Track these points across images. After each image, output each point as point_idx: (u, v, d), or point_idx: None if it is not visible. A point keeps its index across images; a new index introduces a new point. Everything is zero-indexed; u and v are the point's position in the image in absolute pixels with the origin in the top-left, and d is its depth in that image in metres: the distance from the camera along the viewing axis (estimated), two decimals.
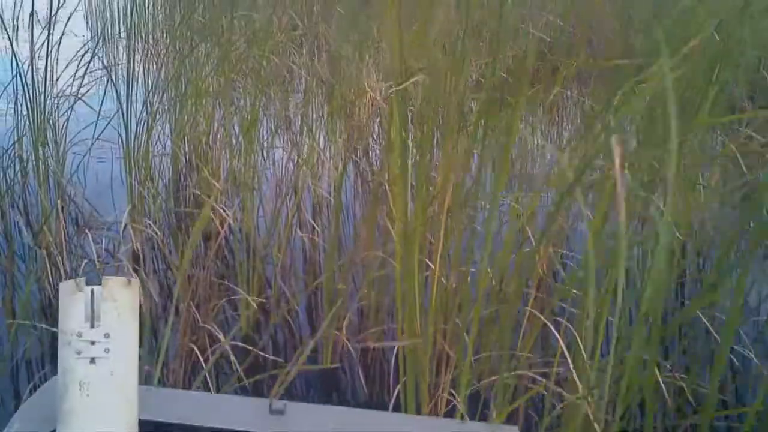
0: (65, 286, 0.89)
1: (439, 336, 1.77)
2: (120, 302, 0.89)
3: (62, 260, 2.45)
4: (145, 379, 1.24)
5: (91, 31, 7.74)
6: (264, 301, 2.17)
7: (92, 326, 0.87)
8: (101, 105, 2.94)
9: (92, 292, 0.88)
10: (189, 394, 1.21)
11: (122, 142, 2.78)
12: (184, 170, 3.34)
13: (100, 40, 5.92)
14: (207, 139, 3.25)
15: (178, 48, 3.59)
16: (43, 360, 2.06)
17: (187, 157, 3.39)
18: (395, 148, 1.35)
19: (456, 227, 1.75)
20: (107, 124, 2.90)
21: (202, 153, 3.22)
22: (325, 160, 3.12)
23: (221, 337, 1.88)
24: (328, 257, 2.02)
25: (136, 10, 5.65)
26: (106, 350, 0.87)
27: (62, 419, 0.86)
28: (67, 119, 3.06)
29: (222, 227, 2.40)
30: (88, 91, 3.10)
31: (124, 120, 2.70)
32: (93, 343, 0.86)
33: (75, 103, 2.99)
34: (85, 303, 0.87)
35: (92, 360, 0.86)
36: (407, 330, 1.57)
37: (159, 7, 5.94)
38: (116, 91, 2.82)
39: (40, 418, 0.97)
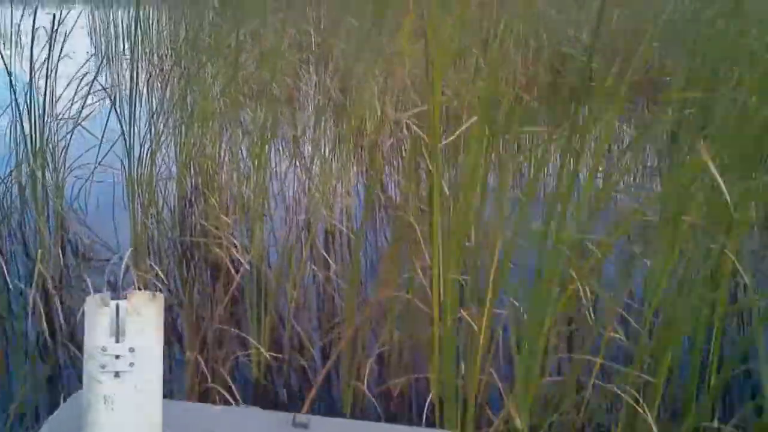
0: (91, 301, 0.89)
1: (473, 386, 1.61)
2: (145, 316, 0.89)
3: (60, 298, 2.30)
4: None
5: (95, 47, 7.63)
6: (279, 356, 2.01)
7: (117, 340, 0.88)
8: (105, 127, 2.79)
9: (117, 306, 0.88)
10: (213, 408, 1.22)
11: (125, 169, 2.62)
12: (190, 195, 3.19)
13: (104, 59, 5.77)
14: (213, 163, 3.10)
15: (183, 67, 3.45)
16: (38, 411, 1.91)
17: (193, 181, 3.24)
18: (434, 198, 1.21)
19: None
20: (110, 149, 2.76)
21: (208, 179, 3.07)
22: (338, 186, 2.96)
23: (232, 388, 1.73)
24: (348, 303, 1.85)
25: (140, 26, 5.53)
26: (131, 364, 0.88)
27: None
28: (67, 144, 2.92)
29: (232, 267, 2.25)
30: (90, 113, 2.96)
31: (126, 147, 2.53)
32: (118, 357, 0.87)
33: (75, 127, 2.85)
34: (110, 317, 0.88)
35: (117, 374, 0.87)
36: (445, 380, 1.41)
37: (164, 24, 5.81)
38: (117, 114, 2.66)
39: None
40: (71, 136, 2.90)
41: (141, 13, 5.48)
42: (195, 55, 3.28)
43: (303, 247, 2.35)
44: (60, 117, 2.95)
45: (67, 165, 2.96)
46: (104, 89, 2.84)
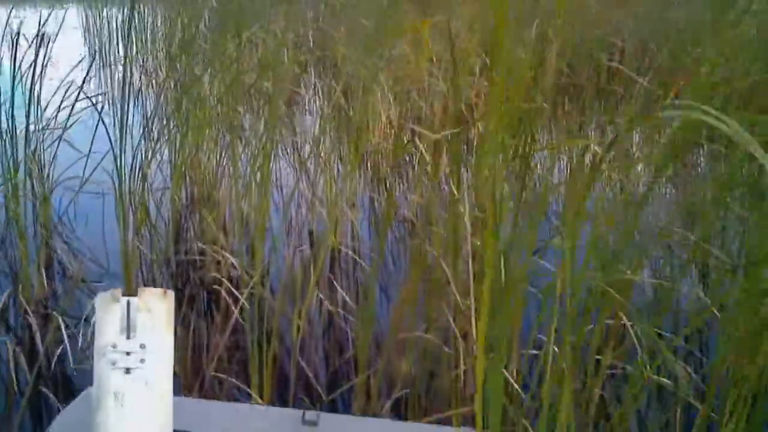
0: (102, 298, 0.88)
1: None
2: (155, 313, 0.88)
3: (43, 320, 2.12)
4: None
5: (89, 49, 7.44)
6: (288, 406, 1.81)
7: (128, 337, 0.87)
8: (93, 138, 2.59)
9: (128, 303, 0.88)
10: (223, 405, 1.20)
11: (114, 185, 2.42)
12: (185, 211, 2.99)
13: (93, 63, 5.55)
14: (211, 176, 2.90)
15: (179, 68, 3.24)
16: None
17: (188, 193, 3.04)
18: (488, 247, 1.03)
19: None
20: (98, 164, 2.56)
21: (205, 192, 2.87)
22: (344, 204, 2.77)
23: None
24: (361, 344, 1.66)
25: (134, 28, 5.33)
26: (142, 361, 0.86)
27: (96, 430, 0.86)
28: (54, 155, 2.73)
29: (230, 299, 2.06)
30: (77, 119, 2.77)
31: (117, 165, 2.33)
32: (128, 353, 0.86)
33: (60, 137, 2.66)
34: (121, 314, 0.87)
35: (127, 370, 0.86)
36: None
37: (158, 25, 5.59)
38: (105, 127, 2.46)
39: (74, 430, 0.99)
40: (58, 145, 2.72)
41: (136, 14, 5.28)
42: (190, 61, 3.08)
43: (311, 272, 2.15)
44: (46, 126, 2.76)
45: (54, 177, 2.77)
46: (90, 99, 2.63)
